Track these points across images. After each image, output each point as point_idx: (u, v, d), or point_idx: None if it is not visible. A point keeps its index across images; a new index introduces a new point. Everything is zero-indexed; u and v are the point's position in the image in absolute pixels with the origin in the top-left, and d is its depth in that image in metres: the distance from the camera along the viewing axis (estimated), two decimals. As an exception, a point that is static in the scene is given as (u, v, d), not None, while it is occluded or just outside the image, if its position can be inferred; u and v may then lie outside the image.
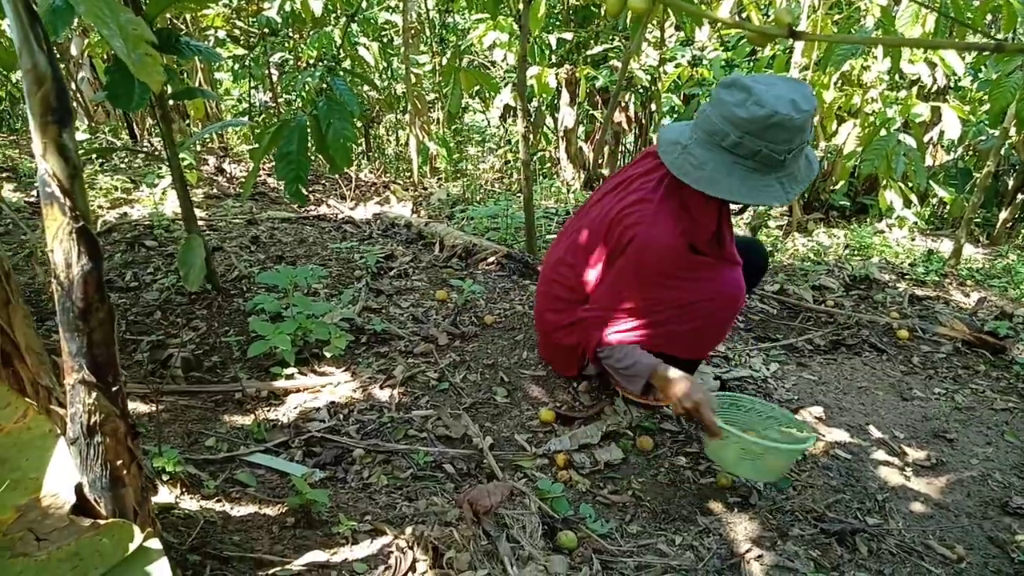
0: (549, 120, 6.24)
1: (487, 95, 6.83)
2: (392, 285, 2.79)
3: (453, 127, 7.27)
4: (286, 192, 2.19)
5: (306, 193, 2.23)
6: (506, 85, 5.62)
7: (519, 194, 5.11)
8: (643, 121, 5.88)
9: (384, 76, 6.55)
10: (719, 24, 3.76)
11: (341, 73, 2.43)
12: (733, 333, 2.78)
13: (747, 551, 1.58)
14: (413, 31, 6.25)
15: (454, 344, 2.37)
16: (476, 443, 1.86)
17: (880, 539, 1.67)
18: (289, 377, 2.11)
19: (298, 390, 2.07)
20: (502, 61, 5.08)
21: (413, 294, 2.73)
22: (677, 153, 1.70)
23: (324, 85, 2.37)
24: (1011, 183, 6.10)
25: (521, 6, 2.63)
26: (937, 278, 3.77)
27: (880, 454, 2.04)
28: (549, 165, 6.29)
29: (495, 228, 3.48)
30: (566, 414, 2.05)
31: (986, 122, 5.41)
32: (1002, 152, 5.57)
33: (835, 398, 2.35)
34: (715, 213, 1.77)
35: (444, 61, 6.06)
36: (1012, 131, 4.79)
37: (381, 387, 2.10)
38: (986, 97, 3.90)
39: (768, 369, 2.51)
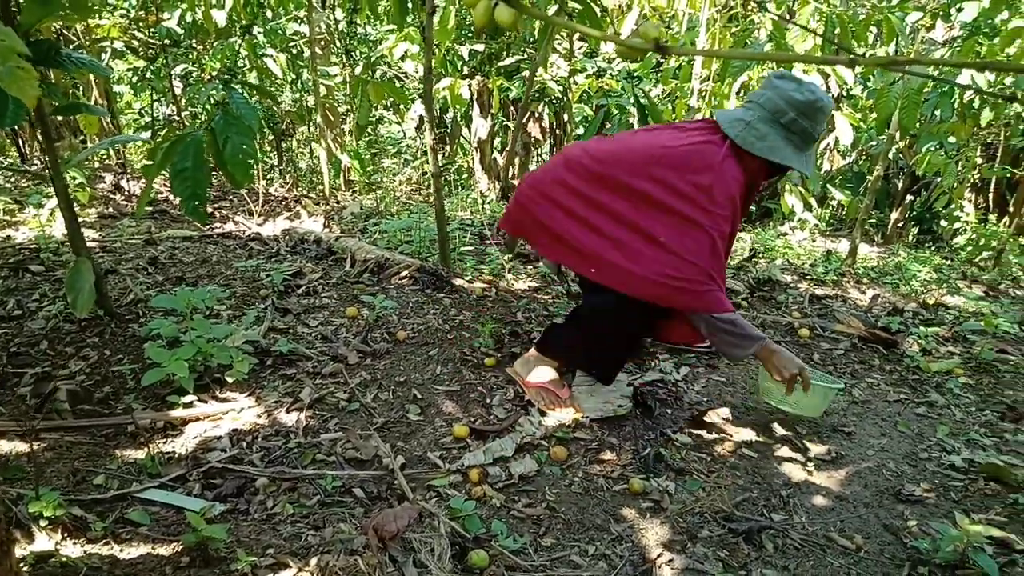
0: (465, 131, 6.25)
1: (401, 106, 6.77)
2: (300, 303, 2.71)
3: (368, 139, 7.18)
4: (183, 210, 2.09)
5: (207, 210, 2.13)
6: (417, 97, 5.60)
7: (429, 200, 5.09)
8: (557, 131, 5.96)
9: (294, 88, 6.41)
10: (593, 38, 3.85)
11: (239, 87, 2.34)
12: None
13: (658, 556, 1.59)
14: (323, 42, 6.14)
15: (365, 362, 2.32)
16: (387, 464, 1.81)
17: (785, 534, 1.72)
18: (187, 406, 2.00)
19: (197, 419, 1.97)
20: (414, 72, 5.04)
21: (322, 312, 2.66)
22: (741, 127, 1.98)
23: (222, 99, 2.29)
24: (900, 185, 6.50)
25: (425, 18, 2.61)
26: (836, 277, 3.96)
27: (784, 451, 2.10)
28: (466, 175, 6.28)
29: (409, 241, 3.44)
30: (480, 428, 2.03)
31: (875, 129, 5.73)
32: (890, 156, 5.92)
33: (742, 398, 2.42)
34: (757, 191, 2.15)
35: (357, 72, 5.98)
36: (897, 136, 5.11)
37: (288, 411, 2.03)
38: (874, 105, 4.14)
39: (679, 373, 2.57)
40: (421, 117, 7.08)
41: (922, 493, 1.94)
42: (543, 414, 2.12)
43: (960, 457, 2.12)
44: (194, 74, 6.24)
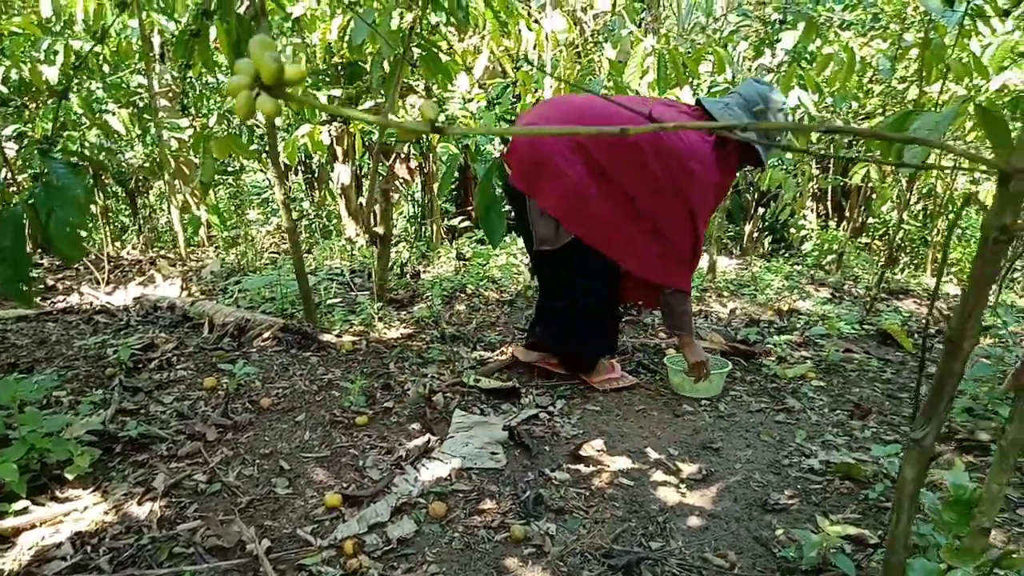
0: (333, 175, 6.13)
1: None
2: (152, 379, 2.52)
3: (230, 190, 6.89)
4: (7, 293, 1.89)
5: (34, 290, 1.94)
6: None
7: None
8: (426, 170, 5.96)
9: (144, 143, 6.05)
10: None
11: (58, 155, 2.17)
12: (521, 373, 2.84)
13: (540, 606, 1.57)
14: (170, 94, 5.86)
15: (226, 437, 2.18)
16: (251, 549, 1.70)
17: (663, 562, 1.75)
18: (20, 512, 1.79)
19: (33, 526, 1.77)
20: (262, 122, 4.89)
21: (178, 386, 2.49)
22: (721, 107, 2.42)
23: (40, 170, 2.11)
24: (751, 199, 6.96)
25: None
26: (698, 293, 4.16)
27: (659, 475, 2.15)
28: (336, 221, 6.15)
29: (272, 298, 3.30)
30: (353, 494, 1.95)
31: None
32: (738, 174, 6.34)
33: (616, 426, 2.47)
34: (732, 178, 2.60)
35: (210, 123, 5.74)
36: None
37: (139, 503, 1.86)
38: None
39: (556, 406, 2.59)
40: (286, 164, 6.92)
41: (786, 500, 2.04)
42: (417, 470, 2.06)
43: (817, 460, 2.25)
44: (28, 135, 5.78)
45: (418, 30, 2.81)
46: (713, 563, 1.77)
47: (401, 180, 6.25)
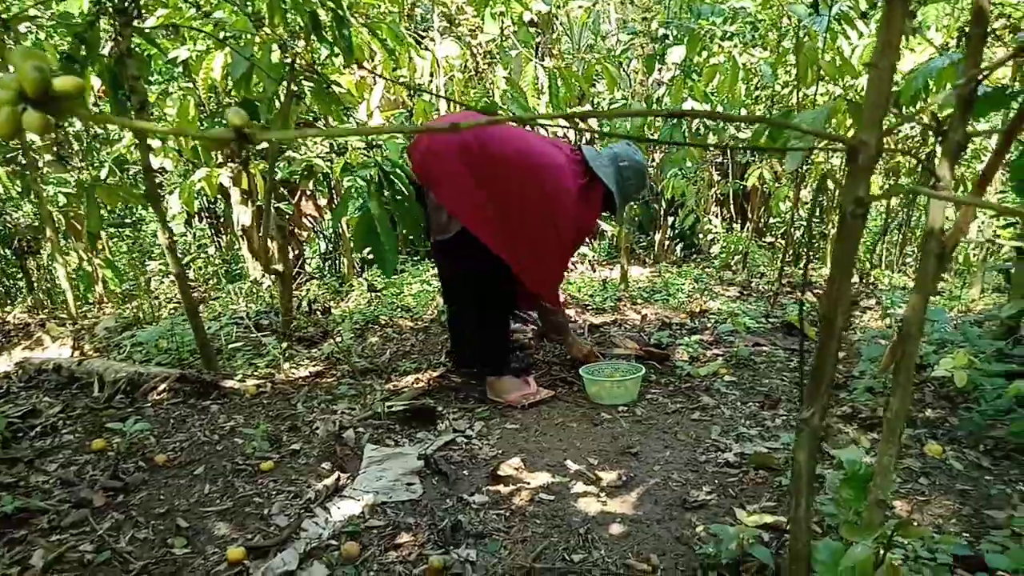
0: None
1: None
2: (33, 447, 2.32)
3: (127, 241, 6.56)
4: None
5: None
6: (171, 191, 5.22)
7: (205, 300, 4.72)
8: (335, 206, 5.84)
9: (30, 200, 5.70)
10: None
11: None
12: (441, 397, 2.78)
13: (460, 637, 1.50)
14: (53, 147, 5.55)
15: (116, 501, 2.02)
16: (143, 618, 1.56)
17: (586, 574, 1.71)
18: None
19: None
20: (159, 169, 4.70)
21: (63, 452, 2.30)
22: (592, 154, 2.77)
23: None
24: (660, 209, 7.14)
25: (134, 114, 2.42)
26: (613, 303, 4.20)
27: (579, 486, 2.12)
28: (242, 264, 5.94)
29: (171, 349, 3.12)
30: (258, 545, 1.83)
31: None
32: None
33: (536, 442, 2.43)
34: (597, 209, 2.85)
35: (102, 175, 5.45)
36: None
37: (16, 583, 1.69)
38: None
39: (474, 428, 2.53)
40: (189, 212, 6.65)
41: (705, 497, 2.04)
42: (327, 511, 1.96)
43: (732, 453, 2.27)
44: None
45: (302, 63, 2.75)
46: (636, 568, 1.74)
47: (309, 217, 6.11)
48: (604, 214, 2.91)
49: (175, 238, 2.60)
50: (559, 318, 3.00)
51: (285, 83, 2.71)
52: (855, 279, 5.42)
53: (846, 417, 2.46)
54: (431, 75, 3.83)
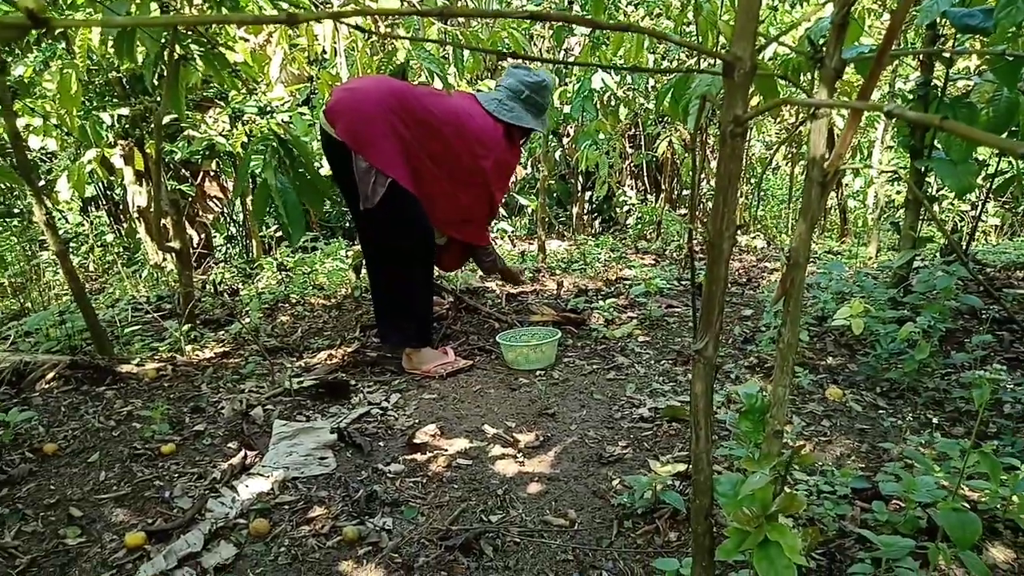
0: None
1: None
2: (-98, 446, 2.13)
3: (15, 229, 6.10)
4: None
5: None
6: (62, 172, 4.88)
7: (105, 291, 4.45)
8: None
9: None
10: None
11: None
12: (356, 372, 2.71)
13: (374, 603, 1.47)
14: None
15: (0, 495, 1.87)
16: (28, 613, 1.45)
17: (504, 534, 1.70)
18: None
19: None
20: (39, 149, 4.38)
21: (-63, 450, 2.11)
22: (495, 105, 2.86)
23: None
24: (577, 183, 7.20)
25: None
26: (531, 274, 4.20)
27: (497, 449, 2.11)
28: (142, 251, 5.63)
29: (61, 337, 2.91)
30: (160, 528, 1.73)
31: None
32: (557, 158, 6.53)
33: (454, 410, 2.40)
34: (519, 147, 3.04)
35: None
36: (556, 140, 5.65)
37: None
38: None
39: (390, 400, 2.48)
40: (84, 200, 6.23)
41: (620, 451, 2.07)
42: (234, 490, 1.88)
43: (646, 408, 2.31)
44: None
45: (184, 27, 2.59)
46: (554, 524, 1.75)
47: (213, 199, 5.85)
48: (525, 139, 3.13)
49: (52, 214, 2.41)
50: (492, 256, 3.23)
51: (170, 48, 2.55)
52: (763, 243, 5.62)
53: (752, 367, 2.54)
54: (333, 45, 3.69)
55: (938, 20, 2.55)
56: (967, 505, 1.36)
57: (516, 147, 2.95)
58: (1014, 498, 1.50)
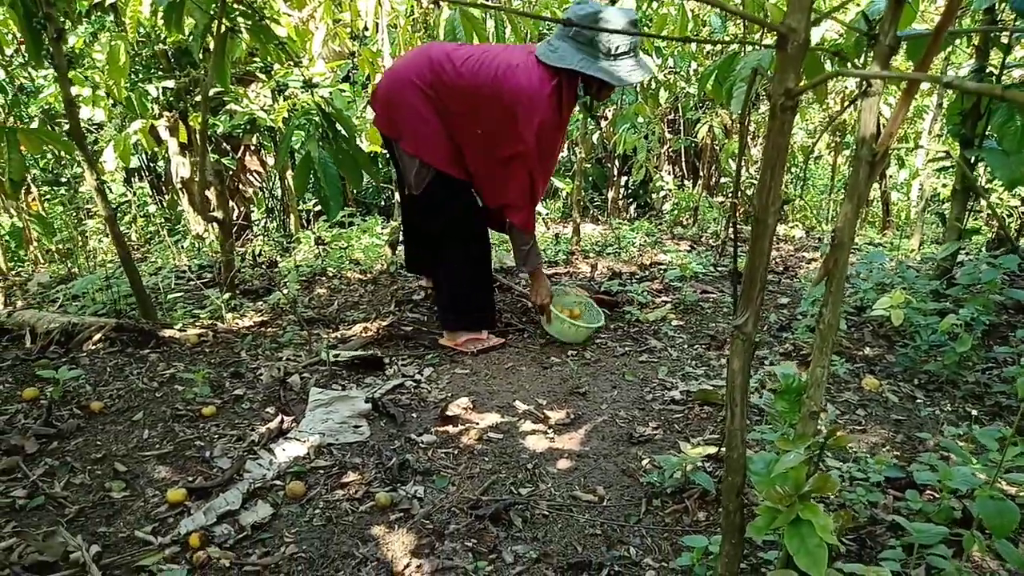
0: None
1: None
2: (-41, 399, 2.22)
3: (63, 197, 6.28)
4: None
5: None
6: (108, 143, 5.00)
7: (147, 260, 4.56)
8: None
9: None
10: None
11: None
12: (391, 346, 2.75)
13: (405, 567, 1.50)
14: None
15: (49, 447, 1.95)
16: (76, 558, 1.52)
17: (533, 506, 1.73)
18: None
19: None
20: (87, 120, 4.49)
21: (-9, 403, 2.20)
22: (543, 47, 2.46)
23: None
24: (613, 167, 7.15)
25: (52, 45, 2.28)
26: (565, 256, 4.20)
27: (527, 425, 2.13)
28: (184, 222, 5.75)
29: (107, 302, 3.00)
30: (201, 486, 1.79)
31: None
32: (595, 140, 6.49)
33: (486, 385, 2.43)
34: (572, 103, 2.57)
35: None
36: (592, 123, 5.59)
37: (-59, 531, 1.62)
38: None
39: (423, 374, 2.52)
40: (128, 171, 6.38)
41: (651, 432, 2.07)
42: (272, 453, 1.93)
43: (678, 391, 2.31)
44: None
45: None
46: (582, 499, 1.77)
47: (253, 173, 5.94)
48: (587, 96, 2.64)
49: (104, 178, 2.47)
50: (528, 246, 2.69)
51: (218, 20, 2.58)
52: (802, 233, 5.53)
53: (787, 354, 2.51)
54: (375, 21, 3.70)
55: (996, 4, 2.47)
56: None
57: (563, 106, 2.47)
58: (1054, 493, 1.47)
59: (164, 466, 1.89)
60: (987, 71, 2.56)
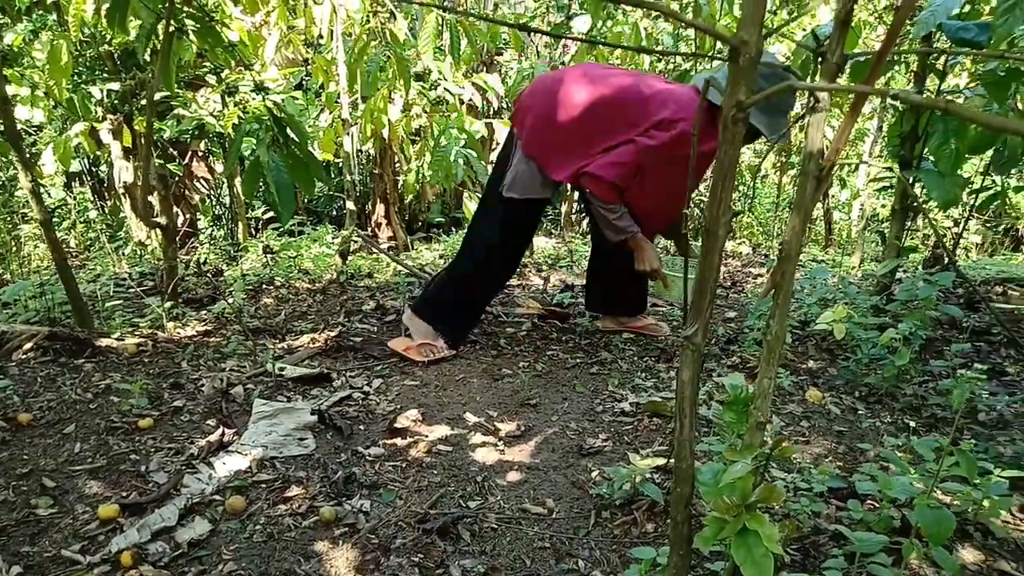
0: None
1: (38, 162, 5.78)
2: None
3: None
4: None
5: None
6: (47, 145, 4.81)
7: (86, 267, 4.40)
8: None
9: None
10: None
11: None
12: (339, 356, 2.70)
13: (349, 583, 1.46)
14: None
15: (-30, 463, 1.84)
16: (-4, 579, 1.43)
17: (482, 519, 1.70)
18: None
19: None
20: (25, 121, 4.32)
21: (-92, 414, 2.08)
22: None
23: None
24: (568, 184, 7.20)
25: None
26: (518, 269, 4.20)
27: (477, 437, 2.11)
28: (126, 228, 5.56)
29: (41, 309, 2.87)
30: (135, 502, 1.72)
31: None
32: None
33: (436, 397, 2.39)
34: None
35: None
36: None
37: None
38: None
39: (372, 385, 2.47)
40: (68, 173, 6.14)
41: (601, 444, 2.07)
42: (211, 467, 1.86)
43: (628, 403, 2.32)
44: None
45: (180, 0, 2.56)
46: (532, 512, 1.75)
47: (200, 179, 5.79)
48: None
49: (39, 182, 2.37)
50: (612, 216, 2.52)
51: (165, 21, 2.51)
52: (748, 249, 5.66)
53: (735, 367, 2.55)
54: (330, 28, 3.66)
55: (934, 33, 2.58)
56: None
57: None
58: (985, 502, 1.52)
59: (96, 481, 1.80)
60: (924, 96, 2.67)
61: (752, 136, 2.49)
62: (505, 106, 6.72)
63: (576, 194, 7.24)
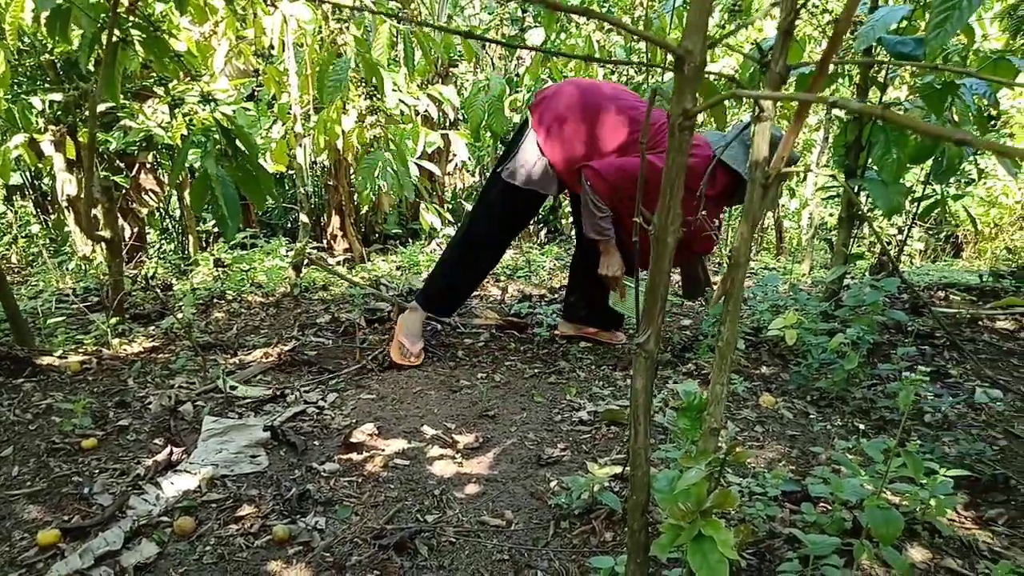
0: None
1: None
2: None
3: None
4: None
5: None
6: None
7: (27, 282, 4.24)
8: (179, 180, 5.42)
9: None
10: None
11: None
12: (290, 373, 2.65)
13: (303, 603, 1.42)
14: None
15: (-103, 490, 1.75)
16: (-76, 613, 1.35)
17: (440, 533, 1.68)
18: None
19: None
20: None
21: None
22: (718, 138, 2.64)
23: None
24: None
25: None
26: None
27: (435, 450, 2.09)
28: (70, 242, 5.38)
29: (-23, 328, 2.76)
30: (77, 526, 1.65)
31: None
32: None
33: (392, 410, 2.36)
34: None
35: None
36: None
37: None
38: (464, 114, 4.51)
39: (326, 399, 2.43)
40: (8, 186, 5.92)
41: (559, 453, 2.07)
42: (159, 487, 1.80)
43: (586, 411, 2.32)
44: None
45: (124, 8, 2.50)
46: (490, 524, 1.73)
47: (148, 192, 5.64)
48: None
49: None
50: (604, 217, 2.62)
51: (108, 30, 2.45)
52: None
53: (689, 374, 2.58)
54: (281, 39, 3.61)
55: (874, 46, 2.67)
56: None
57: (715, 189, 2.69)
58: (932, 501, 1.56)
59: (35, 505, 1.73)
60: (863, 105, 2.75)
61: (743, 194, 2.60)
62: (461, 117, 6.73)
63: (551, 201, 7.29)
